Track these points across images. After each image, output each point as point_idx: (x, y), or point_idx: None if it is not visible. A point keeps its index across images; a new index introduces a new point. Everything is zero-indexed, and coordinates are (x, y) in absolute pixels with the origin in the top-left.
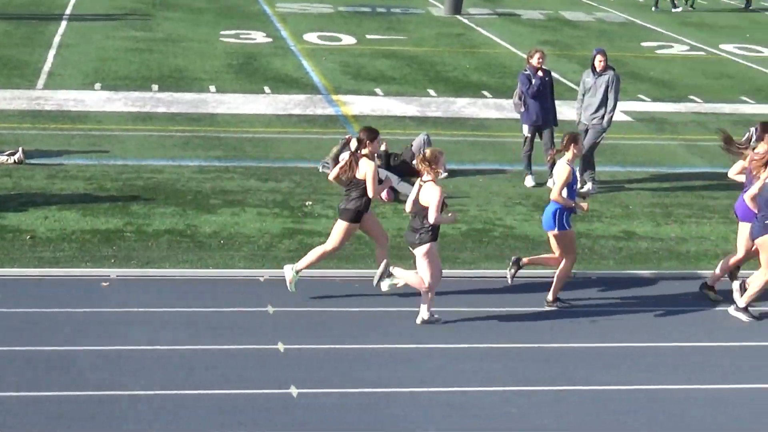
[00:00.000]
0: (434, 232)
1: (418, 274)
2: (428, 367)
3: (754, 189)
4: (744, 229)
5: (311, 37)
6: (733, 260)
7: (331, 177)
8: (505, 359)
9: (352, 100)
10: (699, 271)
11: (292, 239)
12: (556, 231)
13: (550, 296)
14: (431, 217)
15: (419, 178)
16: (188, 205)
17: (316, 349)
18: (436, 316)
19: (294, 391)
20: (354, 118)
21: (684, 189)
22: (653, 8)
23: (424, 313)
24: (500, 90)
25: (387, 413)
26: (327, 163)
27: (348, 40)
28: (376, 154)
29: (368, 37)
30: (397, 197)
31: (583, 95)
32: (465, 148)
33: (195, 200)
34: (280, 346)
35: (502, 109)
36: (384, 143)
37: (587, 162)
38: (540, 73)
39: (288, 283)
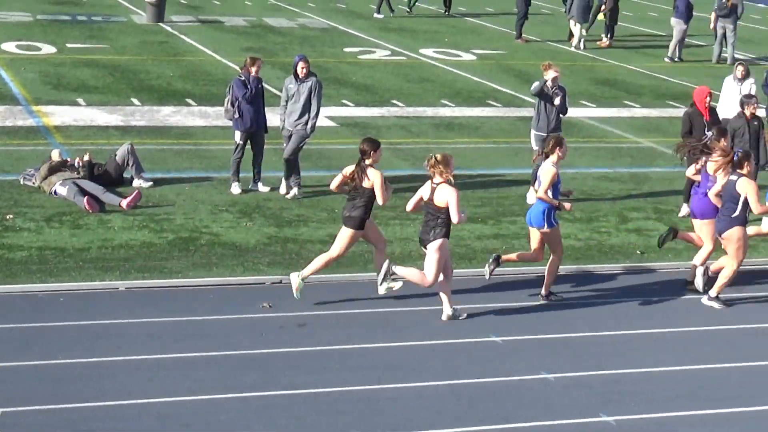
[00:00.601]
0: (447, 228)
1: (420, 271)
2: (136, 378)
3: (717, 187)
4: (702, 226)
5: (9, 46)
6: (704, 254)
7: (333, 186)
8: (212, 367)
9: (54, 110)
10: None
11: None
12: (545, 228)
13: (543, 291)
14: (455, 218)
15: (430, 180)
16: None
17: (20, 366)
18: (458, 309)
19: None
20: (56, 129)
21: None
22: (375, 14)
23: (447, 309)
24: (205, 97)
25: (92, 428)
26: (29, 175)
27: (48, 49)
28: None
29: (69, 45)
30: (102, 208)
31: (287, 101)
32: (170, 156)
33: None
34: None
35: (207, 116)
36: (87, 154)
37: (292, 167)
38: (255, 79)
39: (294, 291)
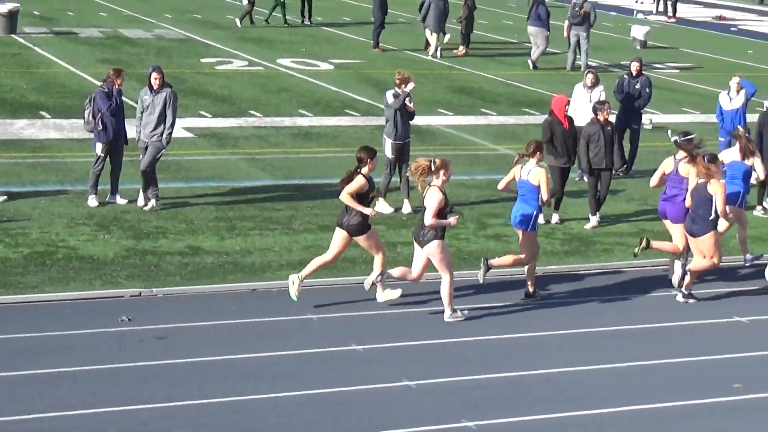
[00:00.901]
0: (438, 230)
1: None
2: None
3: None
4: (676, 230)
5: None
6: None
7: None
8: (71, 383)
9: None
10: (263, 283)
11: None
12: (529, 231)
13: (530, 289)
14: (427, 220)
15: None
16: None
17: None
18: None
19: None
20: None
21: (247, 202)
22: (237, 20)
23: (447, 312)
24: (59, 110)
25: None
26: None
27: None
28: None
29: None
30: None
31: (142, 113)
32: (25, 170)
33: None
34: None
35: (63, 129)
36: None
37: (149, 179)
38: (118, 91)
39: (293, 294)
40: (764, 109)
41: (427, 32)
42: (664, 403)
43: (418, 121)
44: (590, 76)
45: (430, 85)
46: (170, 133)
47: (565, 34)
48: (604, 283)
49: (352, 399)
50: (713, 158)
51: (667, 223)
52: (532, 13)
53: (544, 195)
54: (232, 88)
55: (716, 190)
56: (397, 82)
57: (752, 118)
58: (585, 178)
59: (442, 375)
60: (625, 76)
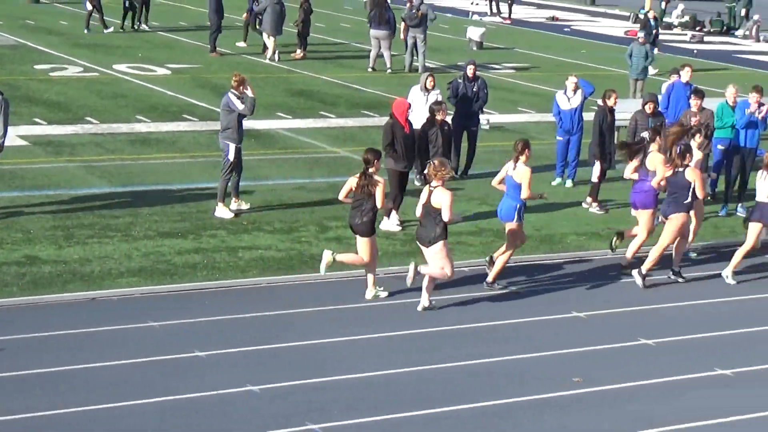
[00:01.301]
0: (446, 230)
1: (434, 266)
2: None
3: (658, 177)
4: (643, 215)
5: None
6: (638, 244)
7: (342, 197)
8: None
9: None
10: (103, 291)
11: None
12: (514, 223)
13: (490, 279)
14: (445, 217)
15: (428, 184)
16: None
17: None
18: (434, 302)
19: None
20: None
21: (85, 210)
22: (85, 30)
23: (425, 300)
24: None
25: None
26: None
27: None
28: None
29: None
30: None
31: None
32: None
33: None
34: None
35: None
36: None
37: None
38: None
39: (324, 265)
40: (597, 108)
41: (264, 36)
42: (506, 399)
43: (258, 124)
44: (430, 79)
45: (269, 89)
46: (2, 142)
47: (402, 36)
48: (444, 282)
49: (197, 406)
50: (687, 149)
51: (634, 210)
52: (378, 17)
53: (524, 193)
54: (68, 95)
55: (694, 176)
56: (235, 84)
57: (589, 116)
58: (417, 182)
59: (286, 379)
60: (459, 80)
